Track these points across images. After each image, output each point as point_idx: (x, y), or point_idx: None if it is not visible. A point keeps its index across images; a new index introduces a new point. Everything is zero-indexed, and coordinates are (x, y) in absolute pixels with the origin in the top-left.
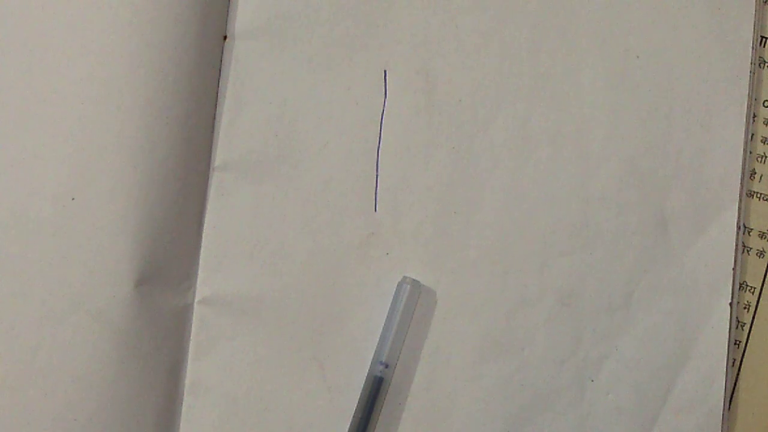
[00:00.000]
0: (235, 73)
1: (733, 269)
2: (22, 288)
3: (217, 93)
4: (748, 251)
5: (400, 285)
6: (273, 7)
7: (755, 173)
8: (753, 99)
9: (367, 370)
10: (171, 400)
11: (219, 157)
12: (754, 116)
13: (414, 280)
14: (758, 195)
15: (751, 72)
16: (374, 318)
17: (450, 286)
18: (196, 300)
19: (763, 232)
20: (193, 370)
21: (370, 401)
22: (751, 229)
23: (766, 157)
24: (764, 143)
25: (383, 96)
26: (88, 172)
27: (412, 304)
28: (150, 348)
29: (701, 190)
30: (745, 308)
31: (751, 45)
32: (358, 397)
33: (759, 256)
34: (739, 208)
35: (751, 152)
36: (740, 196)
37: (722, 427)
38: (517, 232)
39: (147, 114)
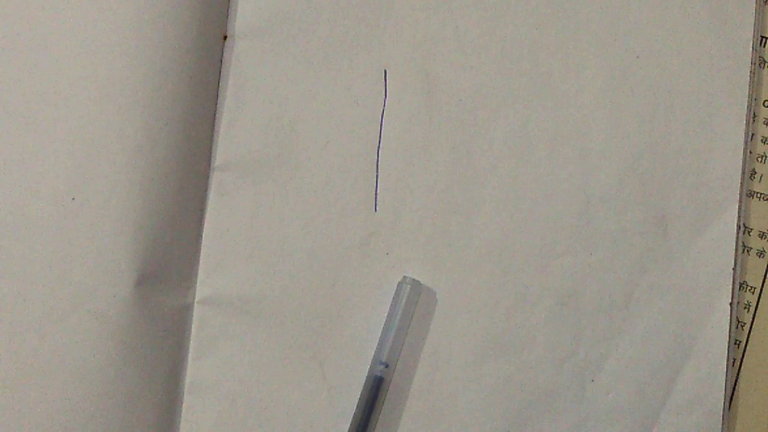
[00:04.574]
0: (235, 73)
1: (733, 269)
2: (22, 288)
3: (217, 93)
4: (748, 251)
5: (400, 285)
6: (273, 7)
7: (755, 173)
8: (753, 99)
9: (367, 370)
10: (171, 400)
11: (219, 157)
12: (754, 116)
13: (414, 280)
14: (758, 195)
15: (751, 72)
16: (374, 318)
17: (450, 286)
18: (196, 300)
19: (763, 232)
20: (193, 370)
21: (370, 401)
22: (751, 229)
23: (766, 157)
24: (764, 143)
25: (383, 96)
26: (88, 172)
27: (412, 304)
28: (150, 348)
29: (701, 190)
30: (745, 308)
31: (751, 45)
32: (358, 397)
33: (759, 256)
34: (739, 208)
35: (751, 152)
36: (740, 196)
37: (722, 427)
38: (517, 232)
39: (147, 114)
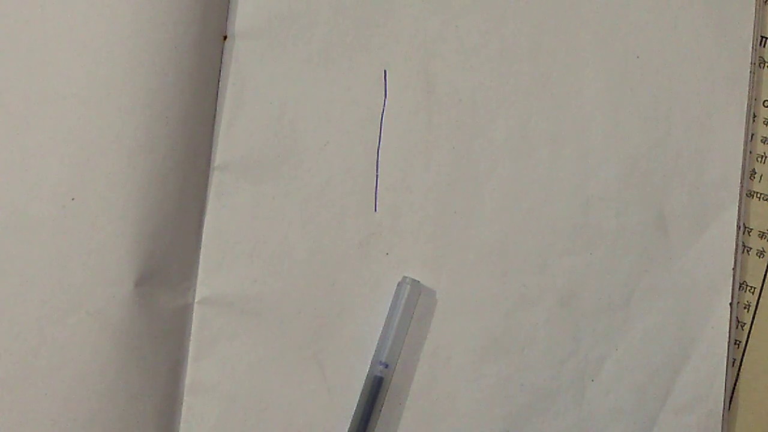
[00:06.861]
0: (235, 73)
1: (733, 269)
2: (22, 288)
3: (217, 93)
4: (748, 251)
5: (400, 285)
6: (273, 7)
7: (755, 173)
8: (753, 99)
9: (367, 370)
10: (171, 400)
11: (219, 157)
12: (754, 116)
13: (414, 280)
14: (758, 195)
15: (751, 72)
16: (374, 318)
17: (450, 286)
18: (196, 300)
19: (763, 232)
20: (193, 370)
21: (370, 401)
22: (751, 229)
23: (766, 157)
24: (764, 143)
25: (383, 96)
26: (88, 172)
27: (412, 304)
28: (150, 348)
29: (701, 190)
30: (745, 308)
31: (751, 45)
32: (358, 397)
33: (759, 256)
34: (739, 208)
35: (751, 152)
36: (740, 196)
37: (722, 427)
38: (517, 232)
39: (147, 114)
